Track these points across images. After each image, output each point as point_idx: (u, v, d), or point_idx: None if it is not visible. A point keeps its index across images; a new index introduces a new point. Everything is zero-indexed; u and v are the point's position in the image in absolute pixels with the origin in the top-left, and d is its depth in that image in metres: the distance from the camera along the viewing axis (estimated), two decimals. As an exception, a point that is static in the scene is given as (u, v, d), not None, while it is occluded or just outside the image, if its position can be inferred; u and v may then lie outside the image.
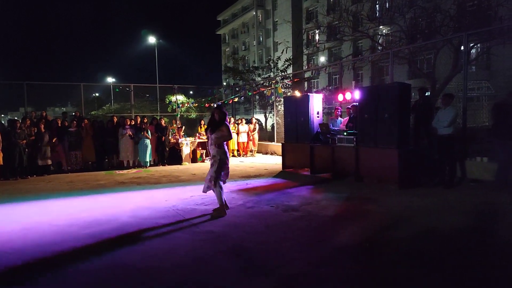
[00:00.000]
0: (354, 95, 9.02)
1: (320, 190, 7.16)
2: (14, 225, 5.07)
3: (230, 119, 14.59)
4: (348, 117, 9.23)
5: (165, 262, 3.61)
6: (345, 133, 8.34)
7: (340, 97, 9.74)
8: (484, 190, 6.45)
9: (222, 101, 18.54)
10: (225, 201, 5.56)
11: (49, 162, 10.25)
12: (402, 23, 11.68)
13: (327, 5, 32.47)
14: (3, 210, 6.10)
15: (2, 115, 30.20)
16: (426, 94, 8.36)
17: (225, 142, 5.53)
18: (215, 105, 5.99)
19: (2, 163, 9.12)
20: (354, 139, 7.97)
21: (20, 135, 9.37)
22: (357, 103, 8.86)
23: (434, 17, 11.29)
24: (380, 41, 14.00)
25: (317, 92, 18.85)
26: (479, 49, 12.64)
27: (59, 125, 10.83)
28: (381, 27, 14.54)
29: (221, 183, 5.55)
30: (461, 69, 8.69)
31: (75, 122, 10.85)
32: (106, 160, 11.75)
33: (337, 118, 9.78)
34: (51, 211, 5.90)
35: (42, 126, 9.99)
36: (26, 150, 9.62)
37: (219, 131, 5.40)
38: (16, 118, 10.81)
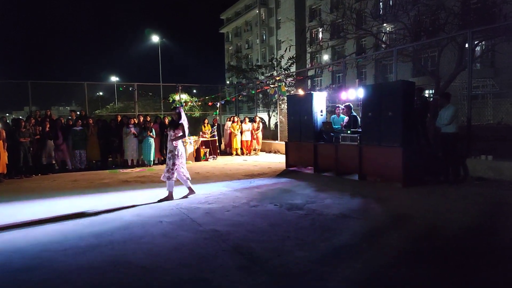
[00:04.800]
0: (357, 93, 9.00)
1: (323, 188, 7.15)
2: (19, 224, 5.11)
3: (233, 117, 14.61)
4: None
5: (169, 261, 3.63)
6: (348, 132, 8.34)
7: (343, 95, 9.72)
8: (489, 188, 6.41)
9: (225, 99, 18.58)
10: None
11: (54, 161, 10.31)
12: (406, 20, 11.61)
13: (330, 3, 32.41)
14: (7, 209, 6.14)
15: (7, 114, 30.32)
16: (423, 94, 8.42)
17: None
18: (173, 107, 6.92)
19: (7, 162, 9.19)
20: (358, 137, 7.95)
21: (24, 134, 9.43)
22: (350, 103, 9.02)
23: (438, 15, 11.22)
24: (383, 39, 13.91)
25: (320, 90, 18.83)
26: (483, 47, 12.54)
27: (63, 123, 10.90)
28: (384, 25, 14.47)
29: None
30: (466, 66, 8.65)
31: (80, 121, 10.89)
32: (110, 159, 11.81)
33: (338, 116, 9.76)
34: (55, 210, 5.93)
35: (47, 125, 10.05)
36: (31, 149, 9.68)
37: (178, 130, 6.37)
38: (20, 117, 10.85)
